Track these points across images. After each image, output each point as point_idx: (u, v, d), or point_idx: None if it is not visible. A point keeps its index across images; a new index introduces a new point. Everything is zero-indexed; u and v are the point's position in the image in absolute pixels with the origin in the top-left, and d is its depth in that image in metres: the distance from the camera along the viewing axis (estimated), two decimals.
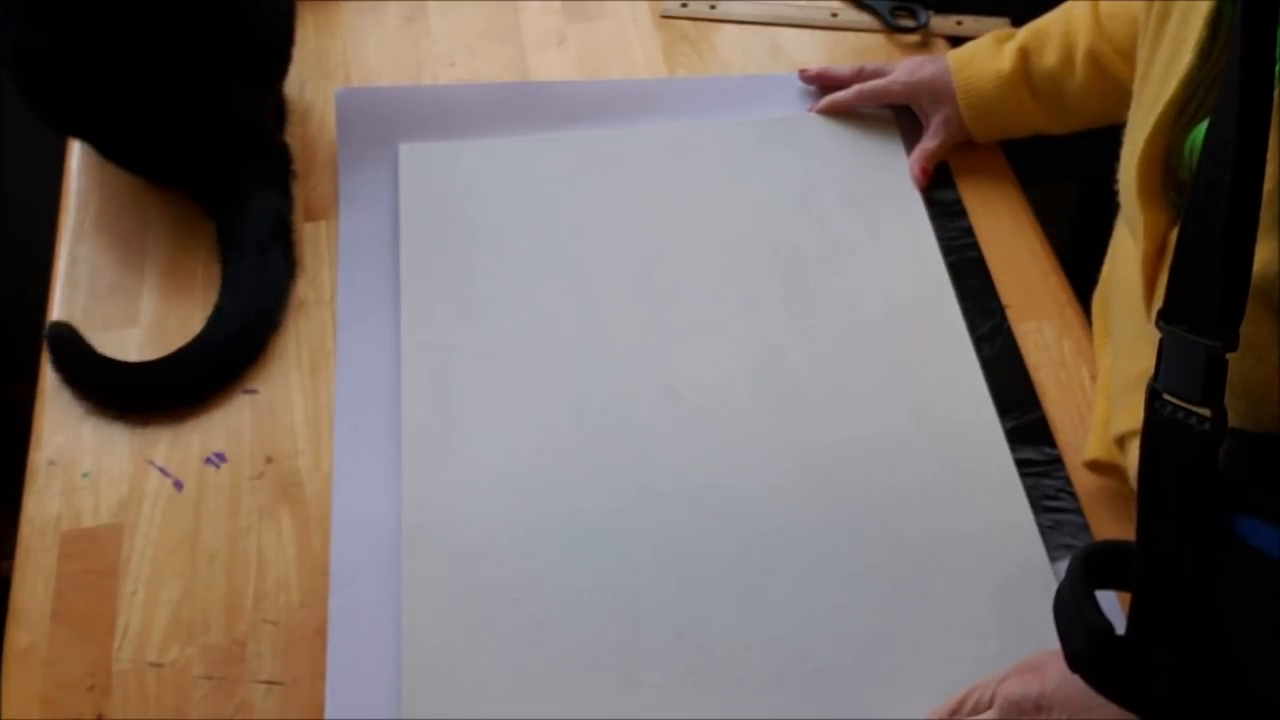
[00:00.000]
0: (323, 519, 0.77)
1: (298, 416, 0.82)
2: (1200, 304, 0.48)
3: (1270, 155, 0.47)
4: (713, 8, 1.09)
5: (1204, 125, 0.57)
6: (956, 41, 1.05)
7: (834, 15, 1.09)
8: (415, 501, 0.77)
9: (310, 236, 0.91)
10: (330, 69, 1.02)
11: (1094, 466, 0.78)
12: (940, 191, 0.96)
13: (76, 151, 0.95)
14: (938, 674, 0.71)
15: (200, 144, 0.88)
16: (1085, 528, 0.78)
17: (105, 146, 0.92)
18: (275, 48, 0.92)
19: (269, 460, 0.79)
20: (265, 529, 0.76)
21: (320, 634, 0.72)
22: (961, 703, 0.68)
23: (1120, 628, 0.56)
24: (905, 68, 0.98)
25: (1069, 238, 1.35)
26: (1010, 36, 0.94)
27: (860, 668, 0.72)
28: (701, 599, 0.74)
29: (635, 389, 0.83)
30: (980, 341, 0.87)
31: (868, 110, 1.00)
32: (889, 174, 0.97)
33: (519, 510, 0.77)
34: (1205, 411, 0.49)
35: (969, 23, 1.07)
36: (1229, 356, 0.48)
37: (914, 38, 1.07)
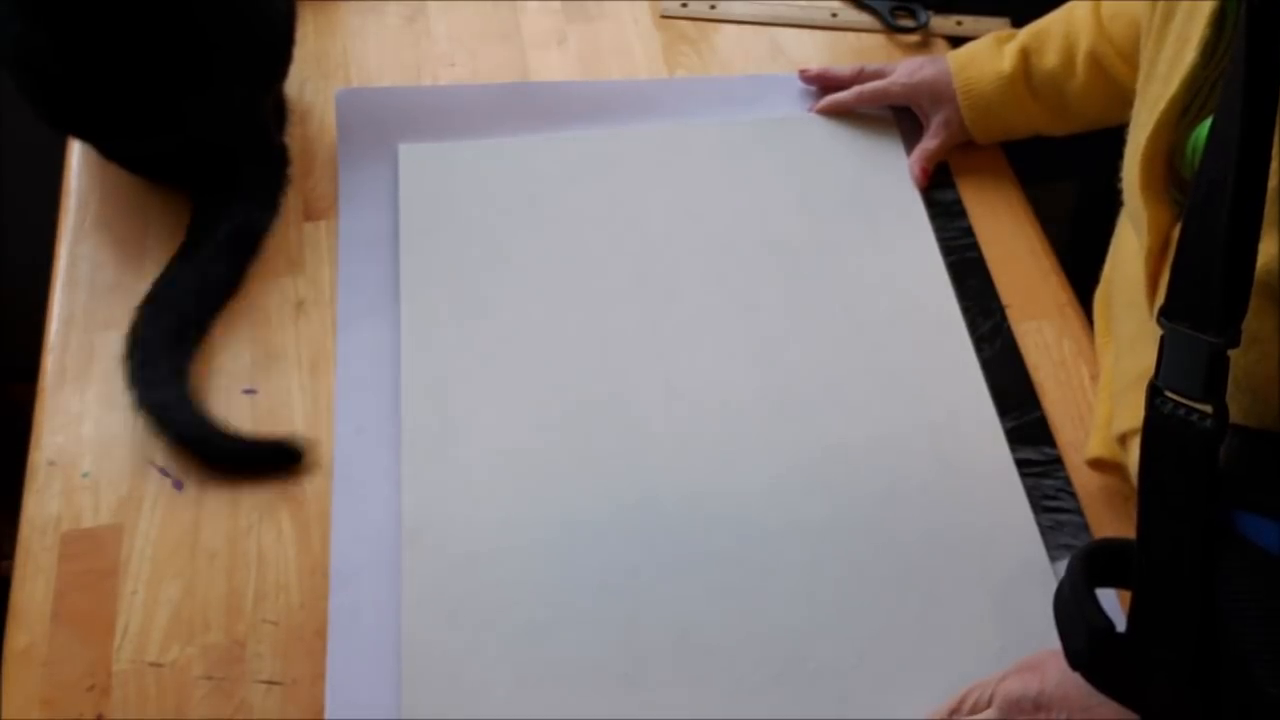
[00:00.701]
0: (323, 519, 0.77)
1: (298, 416, 0.82)
2: (1202, 301, 0.48)
3: (1274, 153, 0.47)
4: (713, 8, 1.09)
5: (1207, 123, 0.58)
6: (957, 42, 1.05)
7: (834, 15, 1.09)
8: (415, 502, 0.77)
9: (310, 236, 0.91)
10: (330, 69, 1.02)
11: (1096, 465, 0.78)
12: (940, 191, 0.96)
13: (76, 151, 0.95)
14: (938, 674, 0.71)
15: (199, 143, 0.88)
16: (1085, 528, 0.78)
17: (105, 146, 0.92)
18: (275, 48, 0.92)
19: None
20: (265, 529, 0.76)
21: (320, 634, 0.72)
22: (961, 702, 0.68)
23: (1120, 626, 0.56)
24: (905, 69, 0.98)
25: (1069, 238, 1.35)
26: (1011, 37, 0.94)
27: (860, 668, 0.72)
28: (701, 599, 0.74)
29: (635, 389, 0.83)
30: (980, 341, 0.87)
31: (868, 110, 1.00)
32: (889, 174, 0.97)
33: (519, 510, 0.77)
34: (1206, 409, 0.49)
35: (969, 23, 1.07)
36: (1231, 353, 0.48)
37: (914, 38, 1.07)
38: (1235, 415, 0.50)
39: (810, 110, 1.00)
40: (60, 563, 0.74)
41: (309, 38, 1.04)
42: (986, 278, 0.91)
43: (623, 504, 0.78)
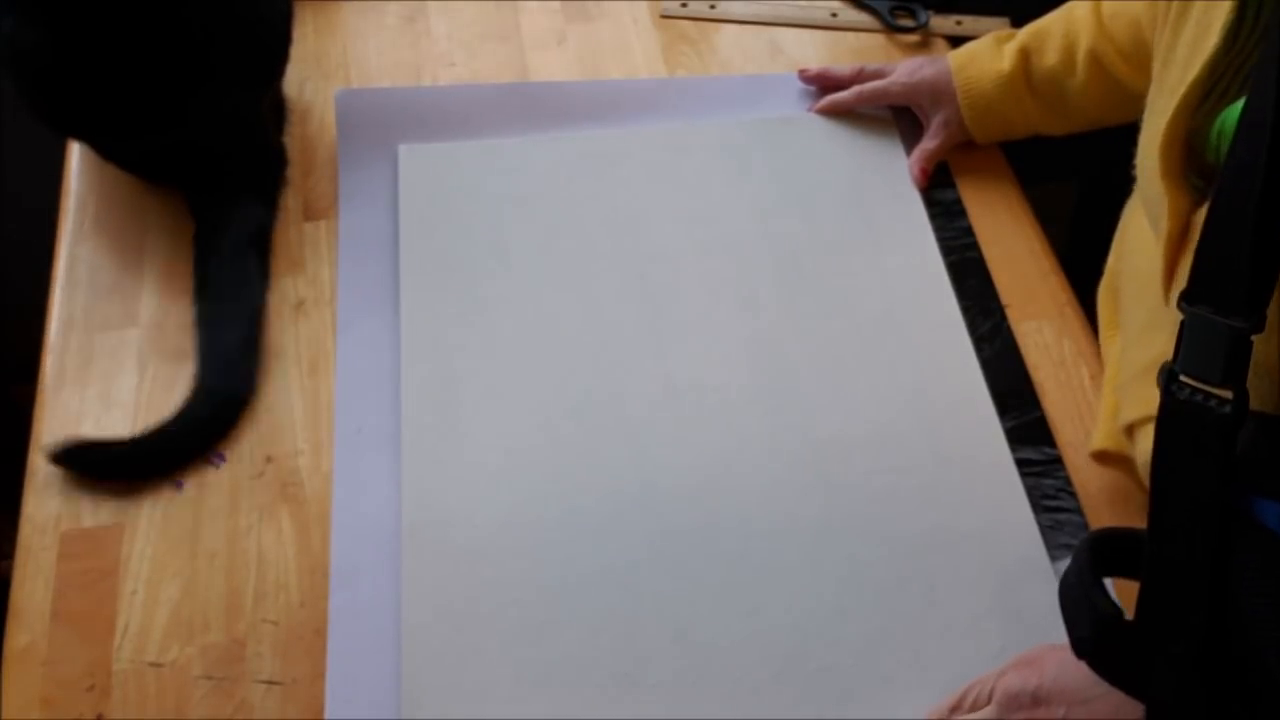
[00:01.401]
0: (323, 519, 0.77)
1: (298, 416, 0.82)
2: (1227, 285, 0.48)
3: None
4: (712, 7, 1.09)
5: (1232, 108, 0.58)
6: (956, 41, 1.05)
7: (834, 15, 1.09)
8: (415, 501, 0.77)
9: (310, 236, 0.91)
10: (330, 69, 1.02)
11: (1101, 458, 0.78)
12: (940, 191, 0.96)
13: (76, 152, 0.95)
14: (938, 673, 0.71)
15: (196, 144, 0.88)
16: (1085, 527, 0.78)
17: (103, 147, 0.92)
18: (272, 48, 0.92)
19: (269, 460, 0.79)
20: (265, 529, 0.76)
21: (320, 634, 0.72)
22: (961, 700, 0.68)
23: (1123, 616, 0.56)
24: (905, 68, 0.98)
25: (1069, 238, 1.35)
26: (1011, 37, 0.94)
27: (860, 667, 0.72)
28: (701, 599, 0.74)
29: (635, 389, 0.83)
30: (980, 341, 0.87)
31: (868, 110, 1.00)
32: (889, 174, 0.97)
33: (519, 510, 0.77)
34: (1224, 394, 0.48)
35: (969, 23, 1.07)
36: (1253, 338, 0.48)
37: (914, 38, 1.07)
38: (1254, 402, 0.49)
39: (810, 110, 1.00)
40: (60, 562, 0.74)
41: (309, 38, 1.04)
42: (986, 278, 0.91)
43: (622, 503, 0.78)
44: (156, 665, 0.71)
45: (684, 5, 1.09)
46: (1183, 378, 0.50)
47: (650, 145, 0.97)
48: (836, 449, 0.81)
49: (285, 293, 0.88)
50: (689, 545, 0.76)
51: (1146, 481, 0.64)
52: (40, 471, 0.78)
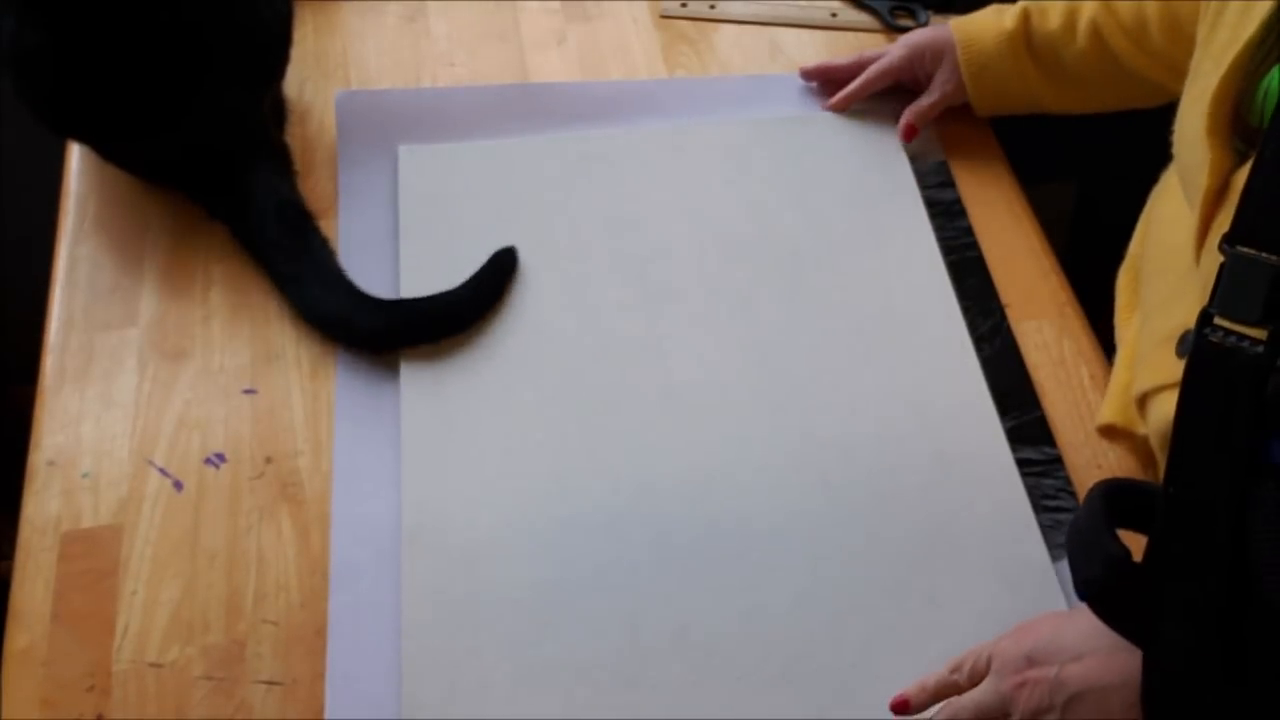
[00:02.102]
0: (323, 519, 0.77)
1: (298, 416, 0.82)
2: (1272, 222, 0.49)
3: None
4: (712, 7, 1.09)
5: (1275, 71, 0.59)
6: None
7: (833, 15, 1.09)
8: (415, 501, 0.77)
9: None
10: (330, 69, 1.02)
11: (1107, 432, 0.79)
12: (940, 191, 0.96)
13: (76, 152, 0.95)
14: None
15: (197, 145, 0.88)
16: None
17: (103, 148, 0.92)
18: (271, 48, 0.92)
19: (269, 460, 0.79)
20: (265, 529, 0.76)
21: (320, 634, 0.72)
22: (959, 664, 0.68)
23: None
24: (904, 39, 0.98)
25: (1069, 238, 1.35)
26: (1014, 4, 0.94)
27: (860, 666, 0.72)
28: (701, 598, 0.74)
29: (634, 388, 0.83)
30: (980, 341, 0.87)
31: (868, 109, 1.00)
32: (889, 174, 0.97)
33: (518, 510, 0.77)
34: (1258, 334, 0.49)
35: None
36: None
37: None
38: None
39: (822, 109, 1.00)
40: (60, 563, 0.74)
41: (309, 38, 1.04)
42: (986, 277, 0.91)
43: (622, 503, 0.78)
44: (156, 666, 0.71)
45: (684, 5, 1.09)
46: (1218, 320, 0.51)
47: (650, 145, 0.97)
48: (836, 448, 0.81)
49: None
50: (689, 545, 0.76)
51: (1156, 452, 0.64)
52: (40, 472, 0.78)
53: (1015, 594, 0.75)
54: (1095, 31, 0.88)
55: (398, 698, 0.70)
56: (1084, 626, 0.61)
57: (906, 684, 0.69)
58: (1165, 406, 0.53)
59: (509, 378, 0.83)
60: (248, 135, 0.91)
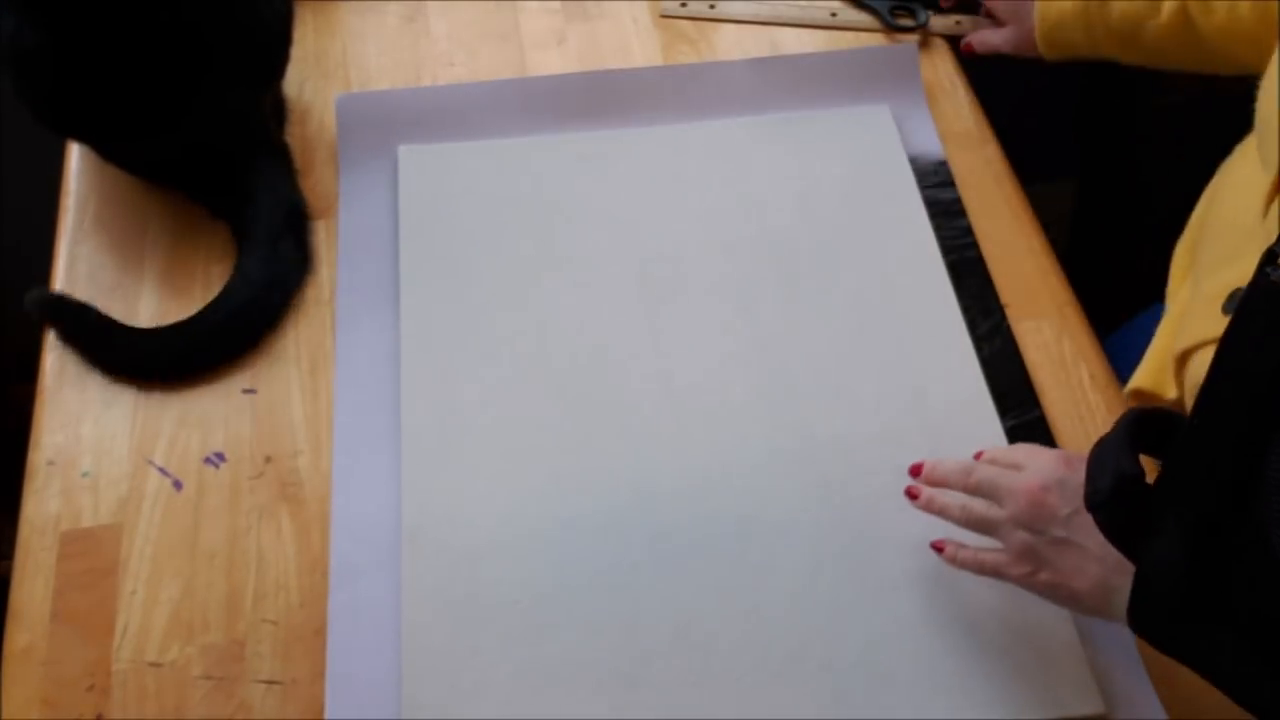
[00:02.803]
0: (323, 519, 0.77)
1: (297, 416, 0.82)
2: None
3: None
4: (712, 7, 1.09)
5: None
6: (956, 41, 1.05)
7: (833, 15, 1.09)
8: (415, 501, 0.77)
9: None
10: (330, 69, 1.02)
11: (1135, 396, 0.79)
12: (940, 191, 0.96)
13: (76, 152, 0.96)
14: (938, 673, 0.71)
15: (197, 145, 0.88)
16: None
17: (103, 148, 0.92)
18: (271, 48, 0.92)
19: (269, 460, 0.79)
20: (265, 529, 0.76)
21: (320, 634, 0.72)
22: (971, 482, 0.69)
23: None
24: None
25: (1069, 238, 1.35)
26: None
27: (860, 666, 0.72)
28: (701, 598, 0.74)
29: (634, 388, 0.83)
30: (980, 341, 0.87)
31: (867, 109, 1.00)
32: (889, 174, 0.97)
33: (518, 510, 0.77)
34: None
35: (968, 22, 1.07)
36: None
37: (913, 37, 1.07)
38: None
39: (818, 110, 1.00)
40: (60, 562, 0.74)
41: (308, 38, 1.04)
42: (986, 277, 0.91)
43: (622, 502, 0.78)
44: (156, 665, 0.71)
45: (684, 5, 1.09)
46: None
47: (650, 145, 0.97)
48: (835, 448, 0.81)
49: None
50: (689, 545, 0.76)
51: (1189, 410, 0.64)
52: (40, 471, 0.78)
53: (1015, 593, 0.75)
54: (1181, 8, 0.87)
55: (397, 698, 0.70)
56: (1095, 523, 0.61)
57: (906, 684, 0.69)
58: (1205, 363, 0.53)
59: (508, 378, 0.83)
60: (248, 135, 0.91)
